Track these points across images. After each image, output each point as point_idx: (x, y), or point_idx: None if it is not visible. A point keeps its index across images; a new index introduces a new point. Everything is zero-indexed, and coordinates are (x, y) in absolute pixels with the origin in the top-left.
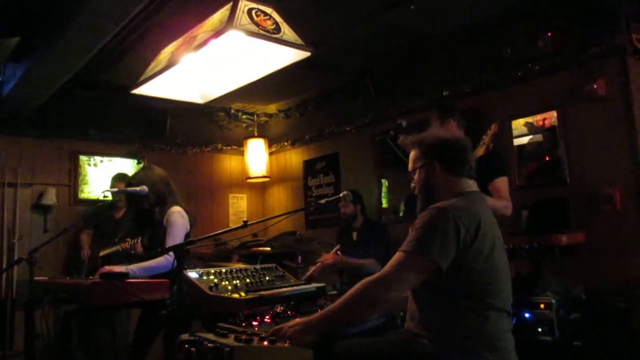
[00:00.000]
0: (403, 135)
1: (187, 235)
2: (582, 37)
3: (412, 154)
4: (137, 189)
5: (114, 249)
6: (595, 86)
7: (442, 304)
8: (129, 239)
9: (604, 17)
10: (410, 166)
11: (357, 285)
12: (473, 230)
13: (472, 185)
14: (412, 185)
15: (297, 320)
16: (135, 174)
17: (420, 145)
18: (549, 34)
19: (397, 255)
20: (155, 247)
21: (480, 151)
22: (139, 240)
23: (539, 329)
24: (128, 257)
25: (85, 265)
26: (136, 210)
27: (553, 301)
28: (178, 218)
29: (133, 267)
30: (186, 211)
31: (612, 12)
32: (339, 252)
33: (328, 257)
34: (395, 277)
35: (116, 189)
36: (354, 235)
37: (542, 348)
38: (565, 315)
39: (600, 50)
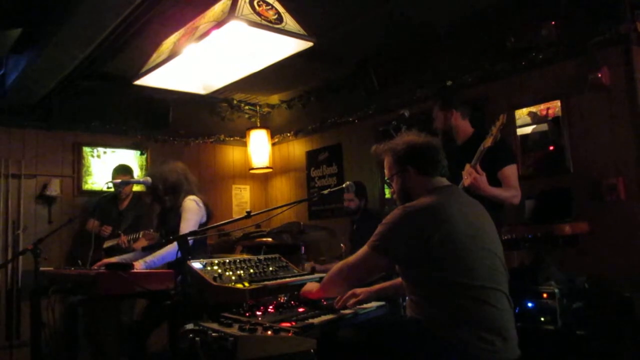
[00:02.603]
0: (391, 135)
1: (204, 227)
2: (586, 26)
3: (385, 162)
4: (141, 180)
5: (116, 240)
6: (600, 75)
7: (428, 289)
8: (124, 237)
9: (608, 6)
10: (386, 173)
11: (334, 269)
12: (433, 224)
13: (444, 181)
14: (392, 191)
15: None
16: (155, 167)
17: (392, 153)
18: (553, 22)
19: (363, 249)
20: (169, 234)
21: (488, 142)
22: (139, 236)
23: (542, 318)
24: (132, 250)
25: (89, 257)
26: (157, 201)
27: (556, 290)
28: (193, 205)
29: (149, 259)
30: (203, 202)
31: (616, 1)
32: (342, 245)
33: None
34: (358, 267)
35: (119, 180)
36: (354, 227)
37: (545, 337)
38: (568, 305)
39: (604, 39)
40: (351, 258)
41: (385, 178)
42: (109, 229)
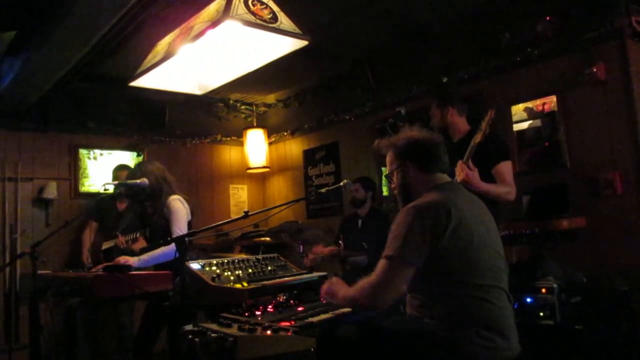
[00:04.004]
0: (390, 133)
1: (189, 225)
2: (581, 21)
3: (387, 157)
4: (138, 181)
5: (114, 241)
6: (595, 70)
7: (430, 287)
8: (122, 238)
9: (604, 0)
10: (387, 169)
11: (357, 289)
12: (444, 221)
13: (445, 177)
14: (392, 186)
15: (334, 285)
16: (131, 170)
17: (393, 148)
18: (548, 18)
19: (382, 263)
20: (156, 238)
21: (478, 137)
22: (138, 236)
23: (541, 314)
24: (131, 251)
25: (87, 265)
26: (135, 205)
27: (554, 286)
28: (179, 205)
29: (143, 257)
30: (185, 200)
31: None
32: (341, 242)
33: (323, 250)
34: (385, 284)
35: (117, 182)
36: (359, 222)
37: (543, 332)
38: (566, 300)
39: (600, 34)
40: (374, 280)
41: (385, 173)
42: (89, 260)
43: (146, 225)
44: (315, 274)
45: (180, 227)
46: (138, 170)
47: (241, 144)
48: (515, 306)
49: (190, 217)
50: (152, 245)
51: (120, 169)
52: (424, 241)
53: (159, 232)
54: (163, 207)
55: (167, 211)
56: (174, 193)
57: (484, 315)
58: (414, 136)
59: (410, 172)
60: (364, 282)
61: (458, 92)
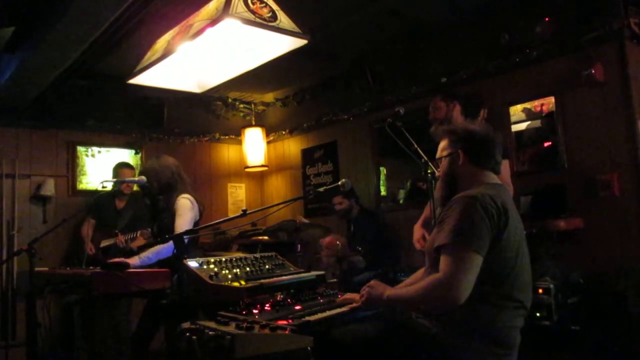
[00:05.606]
0: (434, 125)
1: (195, 225)
2: (579, 22)
3: (441, 143)
4: (136, 179)
5: (113, 240)
6: (593, 71)
7: None
8: (122, 236)
9: (602, 2)
10: (437, 154)
11: (423, 287)
12: (503, 221)
13: (495, 178)
14: (438, 172)
15: (374, 288)
16: (149, 163)
17: (449, 135)
18: (547, 19)
19: (450, 254)
20: (163, 233)
21: None
22: (137, 235)
23: (538, 314)
24: (130, 250)
25: (85, 256)
26: (150, 199)
27: (551, 286)
28: (187, 204)
29: (144, 255)
30: (196, 200)
31: None
32: (338, 242)
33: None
34: (459, 276)
35: (115, 179)
36: (351, 226)
37: (540, 333)
38: (563, 300)
39: (598, 35)
40: (446, 271)
41: (436, 157)
42: (93, 251)
43: (156, 220)
44: (313, 273)
45: (182, 225)
46: (156, 163)
47: (239, 142)
48: None
49: (198, 218)
50: (150, 244)
51: (121, 167)
52: (488, 233)
53: (167, 228)
54: (173, 205)
55: (175, 208)
56: (186, 191)
57: (497, 332)
58: (473, 127)
59: (460, 162)
60: (431, 279)
61: (461, 93)
